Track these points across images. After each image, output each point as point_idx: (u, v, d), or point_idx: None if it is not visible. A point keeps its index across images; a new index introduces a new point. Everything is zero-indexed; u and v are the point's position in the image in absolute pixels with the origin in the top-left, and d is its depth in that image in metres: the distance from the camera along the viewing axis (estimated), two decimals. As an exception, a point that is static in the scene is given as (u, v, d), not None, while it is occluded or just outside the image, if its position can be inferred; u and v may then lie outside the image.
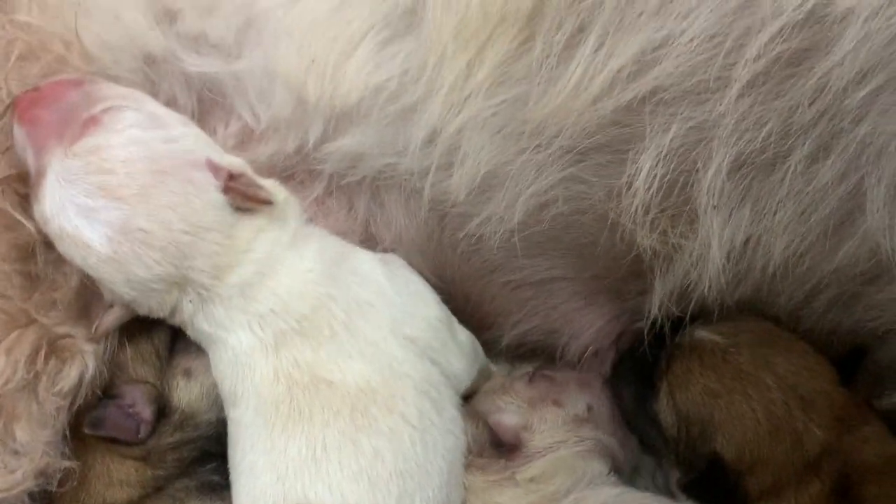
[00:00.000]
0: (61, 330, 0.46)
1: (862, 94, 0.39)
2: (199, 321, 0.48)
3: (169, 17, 0.46)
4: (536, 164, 0.44)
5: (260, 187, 0.47)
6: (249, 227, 0.47)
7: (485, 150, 0.44)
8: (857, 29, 0.38)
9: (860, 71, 0.38)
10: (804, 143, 0.40)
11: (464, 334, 0.52)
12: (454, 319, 0.51)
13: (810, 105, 0.40)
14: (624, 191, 0.42)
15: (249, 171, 0.48)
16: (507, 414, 0.55)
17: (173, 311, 0.48)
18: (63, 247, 0.46)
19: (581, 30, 0.41)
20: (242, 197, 0.46)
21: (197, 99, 0.49)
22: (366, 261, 0.50)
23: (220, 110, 0.49)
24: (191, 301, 0.47)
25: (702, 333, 0.51)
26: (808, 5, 0.38)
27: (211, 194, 0.46)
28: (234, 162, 0.48)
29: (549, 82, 0.42)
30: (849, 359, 0.50)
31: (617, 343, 0.54)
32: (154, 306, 0.47)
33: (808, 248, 0.43)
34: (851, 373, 0.50)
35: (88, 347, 0.47)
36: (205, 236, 0.46)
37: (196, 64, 0.46)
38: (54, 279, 0.48)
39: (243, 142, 0.49)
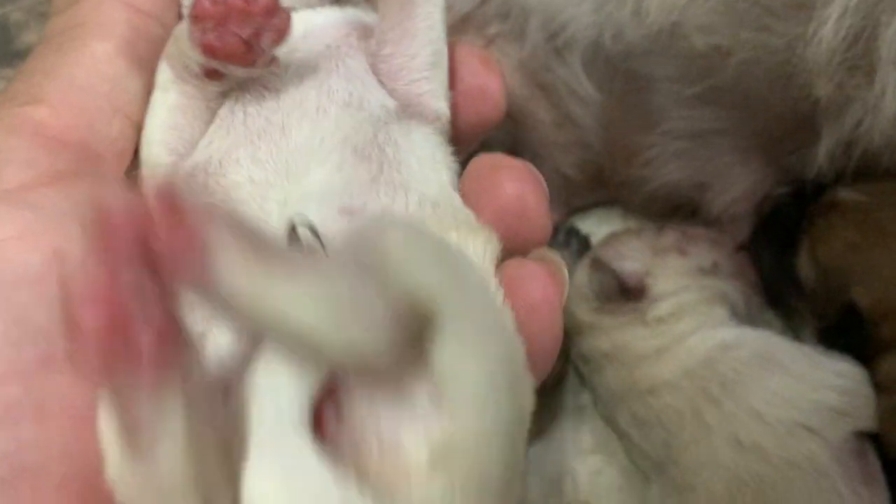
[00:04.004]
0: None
1: None
2: None
3: None
4: (721, 10, 0.46)
5: None
6: None
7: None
8: None
9: None
10: None
11: None
12: None
13: None
14: (807, 41, 0.44)
15: None
16: (629, 261, 0.58)
17: None
18: None
19: None
20: None
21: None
22: None
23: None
24: None
25: (845, 193, 0.54)
26: None
27: None
28: None
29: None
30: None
31: (758, 209, 0.57)
32: None
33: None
34: None
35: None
36: None
37: None
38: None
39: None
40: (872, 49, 0.44)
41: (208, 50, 0.28)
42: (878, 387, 0.52)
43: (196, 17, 0.27)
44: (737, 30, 0.46)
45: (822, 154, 0.49)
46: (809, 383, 0.52)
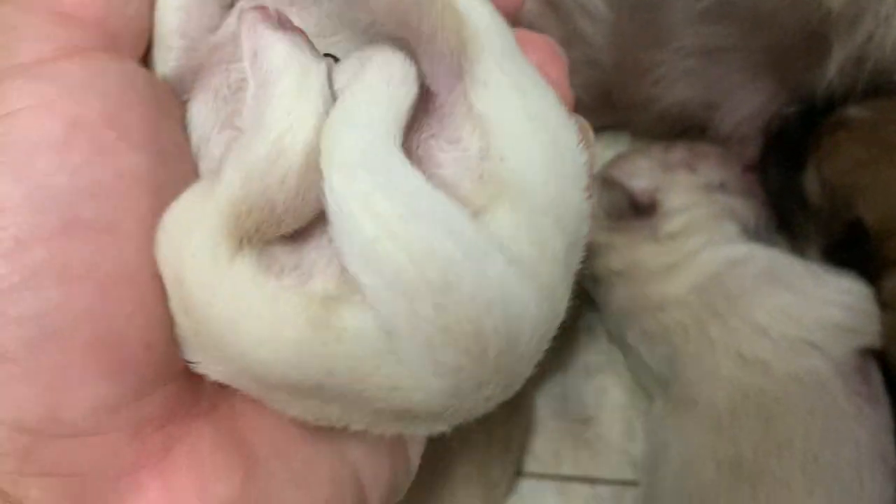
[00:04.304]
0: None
1: None
2: None
3: None
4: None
5: None
6: None
7: None
8: None
9: None
10: None
11: None
12: None
13: None
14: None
15: None
16: (639, 178, 0.58)
17: None
18: None
19: None
20: None
21: None
22: None
23: None
24: None
25: (852, 110, 0.54)
26: None
27: None
28: None
29: None
30: None
31: (767, 129, 0.57)
32: None
33: None
34: None
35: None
36: None
37: None
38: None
39: None
40: (886, -42, 0.44)
41: None
42: (883, 304, 0.53)
43: None
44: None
45: (833, 69, 0.49)
46: (814, 300, 0.53)
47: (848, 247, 0.53)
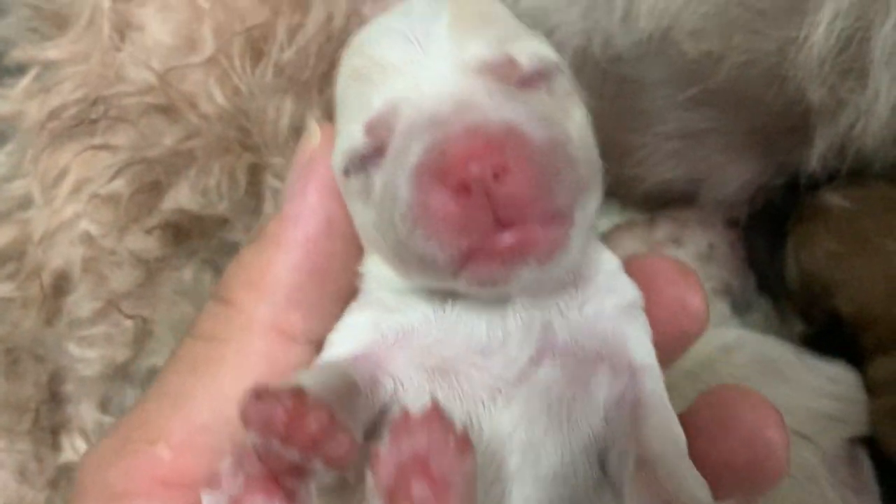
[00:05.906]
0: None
1: None
2: None
3: None
4: (713, 14, 0.45)
5: None
6: None
7: (659, 3, 0.45)
8: None
9: None
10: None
11: None
12: None
13: None
14: (799, 45, 0.44)
15: None
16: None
17: None
18: None
19: None
20: None
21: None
22: None
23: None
24: None
25: (830, 198, 0.53)
26: None
27: None
28: None
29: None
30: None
31: (752, 199, 0.57)
32: None
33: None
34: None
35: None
36: None
37: None
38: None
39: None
40: (865, 51, 0.43)
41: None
42: (868, 390, 0.52)
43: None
44: (729, 34, 0.45)
45: (815, 158, 0.48)
46: (806, 390, 0.52)
47: (827, 336, 0.52)
